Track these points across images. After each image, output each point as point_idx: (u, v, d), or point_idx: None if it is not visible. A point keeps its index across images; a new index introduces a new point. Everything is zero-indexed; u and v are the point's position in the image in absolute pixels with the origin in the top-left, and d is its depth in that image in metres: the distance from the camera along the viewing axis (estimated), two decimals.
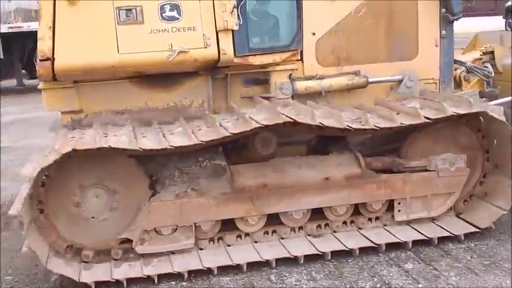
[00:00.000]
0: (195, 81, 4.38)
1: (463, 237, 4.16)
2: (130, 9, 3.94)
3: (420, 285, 3.57)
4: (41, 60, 3.83)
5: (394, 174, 4.24)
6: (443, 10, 4.67)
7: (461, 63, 5.18)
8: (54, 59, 3.83)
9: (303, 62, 4.54)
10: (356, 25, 4.58)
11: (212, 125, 3.84)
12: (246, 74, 4.49)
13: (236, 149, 4.21)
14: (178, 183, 3.96)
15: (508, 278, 3.60)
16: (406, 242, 4.08)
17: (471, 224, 4.26)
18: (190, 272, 3.81)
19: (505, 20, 21.10)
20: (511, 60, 5.20)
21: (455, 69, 5.19)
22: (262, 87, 4.54)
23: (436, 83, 4.80)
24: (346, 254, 4.00)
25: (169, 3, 4.00)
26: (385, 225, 4.29)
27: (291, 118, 3.67)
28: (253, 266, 3.88)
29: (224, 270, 3.85)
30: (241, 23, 4.16)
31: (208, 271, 3.83)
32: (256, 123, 3.63)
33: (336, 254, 3.98)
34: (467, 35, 6.85)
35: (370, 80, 4.56)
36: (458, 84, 5.32)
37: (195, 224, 3.94)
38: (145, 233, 3.88)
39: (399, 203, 4.23)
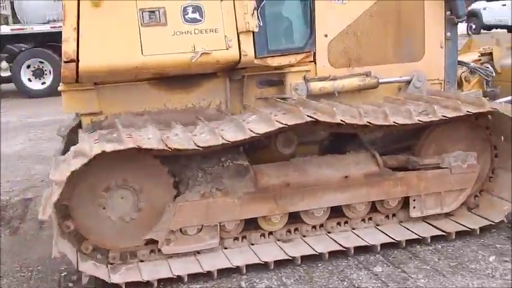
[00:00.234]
0: (213, 82, 4.42)
1: (429, 240, 4.21)
2: (153, 11, 3.94)
3: None
4: (65, 62, 3.80)
5: (409, 171, 4.35)
6: (448, 12, 4.82)
7: (465, 63, 5.35)
8: (78, 60, 3.81)
9: (315, 63, 4.61)
10: (366, 27, 4.68)
11: (264, 117, 3.90)
12: (261, 75, 4.54)
13: (254, 149, 4.25)
14: (203, 183, 3.98)
15: (475, 279, 3.67)
16: (374, 245, 4.11)
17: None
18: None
19: (466, 24, 21.78)
20: (511, 60, 5.39)
21: None
22: (276, 89, 4.60)
23: (441, 83, 4.94)
24: (316, 258, 4.02)
25: (191, 5, 4.02)
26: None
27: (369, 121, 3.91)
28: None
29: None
30: (261, 24, 4.21)
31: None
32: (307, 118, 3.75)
33: (306, 259, 3.99)
34: None
35: (380, 80, 4.67)
36: (459, 85, 5.46)
37: (219, 223, 3.99)
38: (171, 234, 3.90)
39: (414, 200, 4.35)
